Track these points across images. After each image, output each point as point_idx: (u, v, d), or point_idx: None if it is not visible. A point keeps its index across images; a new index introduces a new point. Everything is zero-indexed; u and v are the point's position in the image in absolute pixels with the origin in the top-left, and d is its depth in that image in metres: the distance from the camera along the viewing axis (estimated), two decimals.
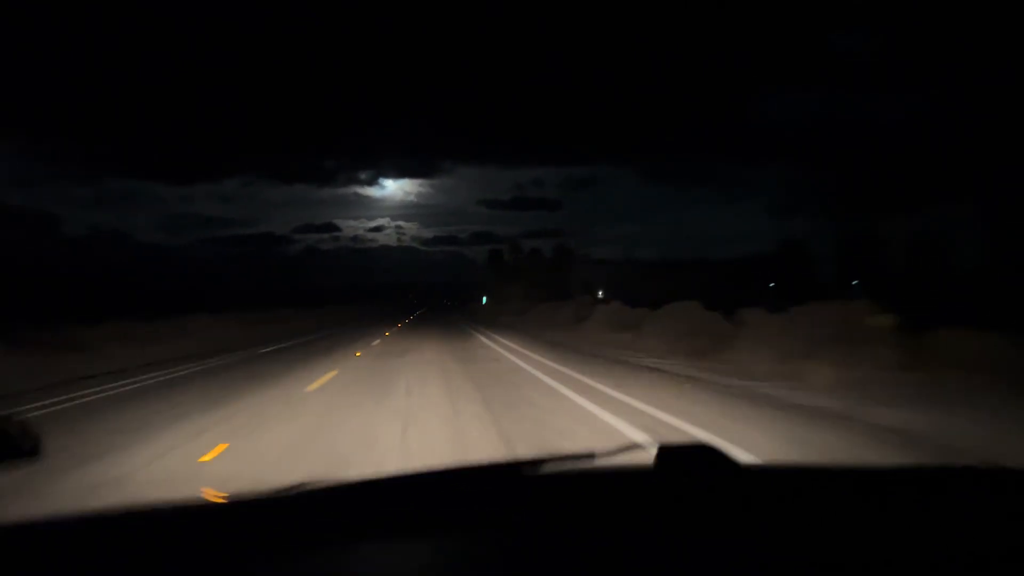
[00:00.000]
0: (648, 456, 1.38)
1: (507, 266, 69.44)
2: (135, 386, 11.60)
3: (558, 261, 65.45)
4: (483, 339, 23.32)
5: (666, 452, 1.35)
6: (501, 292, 64.68)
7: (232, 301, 44.23)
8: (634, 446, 1.50)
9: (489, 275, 73.78)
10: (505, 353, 16.90)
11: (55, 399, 9.96)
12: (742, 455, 5.10)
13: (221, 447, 6.07)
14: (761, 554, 1.03)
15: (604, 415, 7.43)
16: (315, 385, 10.67)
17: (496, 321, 41.92)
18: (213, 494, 1.51)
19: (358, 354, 17.14)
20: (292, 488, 1.22)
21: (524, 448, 5.78)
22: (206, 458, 5.69)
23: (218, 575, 0.95)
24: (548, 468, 1.31)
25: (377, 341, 22.92)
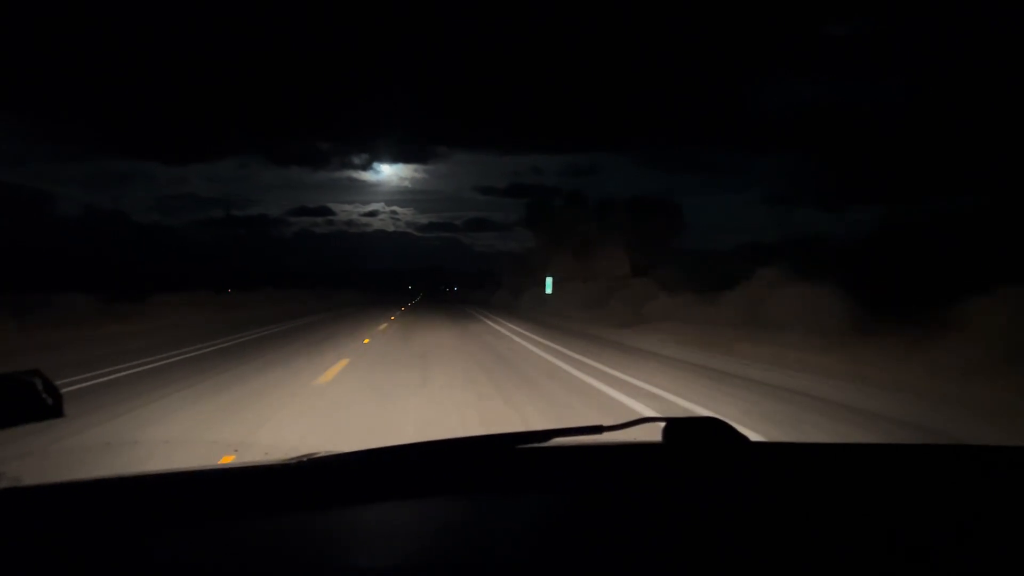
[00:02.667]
0: (657, 430, 1.35)
1: (564, 227, 40.81)
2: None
3: (663, 220, 37.21)
4: None
5: (674, 426, 1.33)
6: (570, 270, 37.43)
7: (242, 281, 47.54)
8: (644, 420, 1.48)
9: (541, 241, 43.91)
10: None
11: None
12: None
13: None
14: (767, 528, 1.03)
15: None
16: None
17: None
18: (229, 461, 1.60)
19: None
20: (300, 457, 1.25)
21: None
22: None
23: (232, 533, 1.00)
24: (556, 441, 1.29)
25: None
